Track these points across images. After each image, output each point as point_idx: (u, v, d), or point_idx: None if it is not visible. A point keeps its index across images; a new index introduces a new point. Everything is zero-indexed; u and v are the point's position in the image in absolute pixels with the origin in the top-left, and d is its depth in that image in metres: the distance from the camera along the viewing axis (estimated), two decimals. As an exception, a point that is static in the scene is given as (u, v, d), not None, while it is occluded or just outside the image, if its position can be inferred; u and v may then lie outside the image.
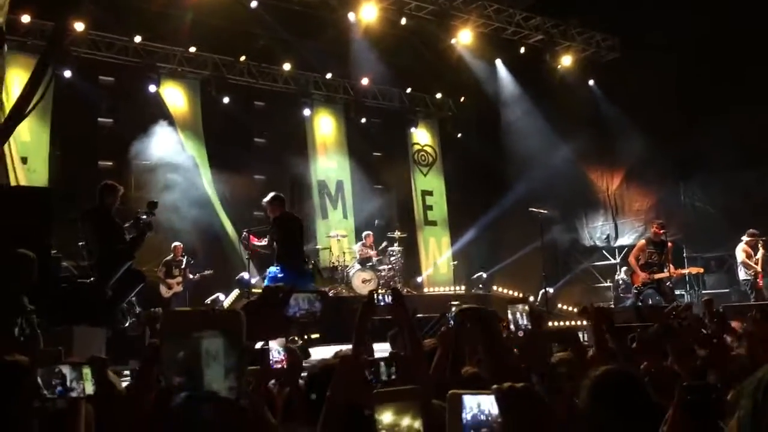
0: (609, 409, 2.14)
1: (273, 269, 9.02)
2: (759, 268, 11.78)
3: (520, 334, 2.56)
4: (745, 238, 12.12)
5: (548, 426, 1.32)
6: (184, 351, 0.89)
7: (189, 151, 14.60)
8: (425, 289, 16.53)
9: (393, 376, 2.52)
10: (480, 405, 1.34)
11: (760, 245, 11.90)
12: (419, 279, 16.92)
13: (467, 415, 1.34)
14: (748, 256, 11.94)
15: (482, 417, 1.32)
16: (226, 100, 15.18)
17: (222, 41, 14.75)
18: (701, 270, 13.14)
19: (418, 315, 8.34)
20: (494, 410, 1.32)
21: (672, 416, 1.73)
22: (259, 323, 1.82)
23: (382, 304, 3.02)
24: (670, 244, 11.92)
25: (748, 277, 11.90)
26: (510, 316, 2.70)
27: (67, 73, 13.31)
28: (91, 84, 13.98)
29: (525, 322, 2.73)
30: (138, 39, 14.11)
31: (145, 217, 7.71)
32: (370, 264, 14.20)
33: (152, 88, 14.33)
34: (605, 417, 2.13)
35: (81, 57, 13.72)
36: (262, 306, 1.83)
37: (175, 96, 14.92)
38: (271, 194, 9.60)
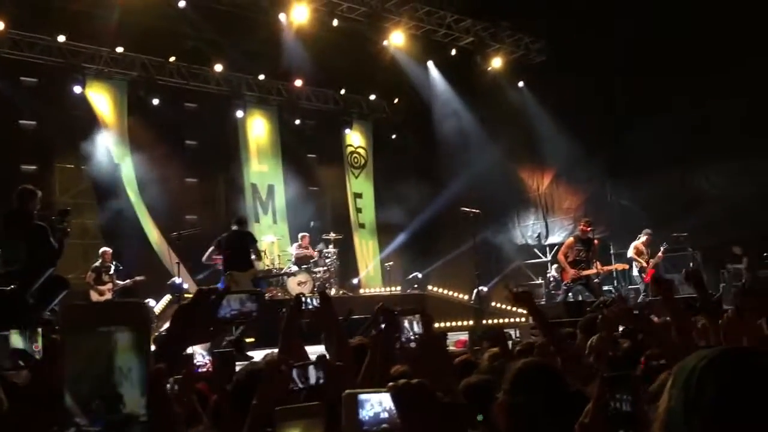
0: (525, 399, 2.20)
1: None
2: (644, 263, 12.56)
3: (413, 345, 2.51)
4: (642, 237, 12.70)
5: (444, 422, 1.33)
6: (90, 349, 0.83)
7: (114, 154, 14.21)
8: (361, 290, 16.54)
9: (321, 380, 2.51)
10: (380, 403, 1.35)
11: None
12: (355, 280, 16.93)
13: (365, 414, 1.34)
14: (638, 253, 12.59)
15: (382, 415, 1.33)
16: (155, 101, 14.84)
17: (150, 41, 14.41)
18: (626, 266, 13.56)
19: (354, 316, 8.34)
20: (392, 408, 1.32)
21: (593, 407, 1.77)
22: (189, 326, 1.74)
23: (309, 307, 3.01)
24: (596, 241, 12.27)
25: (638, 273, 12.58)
26: (405, 326, 2.63)
27: (-14, 74, 12.80)
28: (13, 85, 13.43)
29: (417, 331, 2.68)
30: (62, 38, 13.65)
31: (59, 225, 7.44)
32: (307, 266, 14.13)
33: (77, 90, 13.89)
34: (523, 406, 2.19)
35: (1, 57, 13.19)
36: (193, 308, 1.77)
37: (101, 97, 14.50)
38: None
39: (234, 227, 10.88)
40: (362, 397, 1.36)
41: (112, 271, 12.19)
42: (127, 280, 12.42)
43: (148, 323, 0.86)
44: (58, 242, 7.34)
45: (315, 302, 3.03)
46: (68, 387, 0.80)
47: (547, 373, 2.44)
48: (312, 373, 2.48)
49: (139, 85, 14.79)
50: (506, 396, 2.33)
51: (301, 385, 2.46)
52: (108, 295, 12.09)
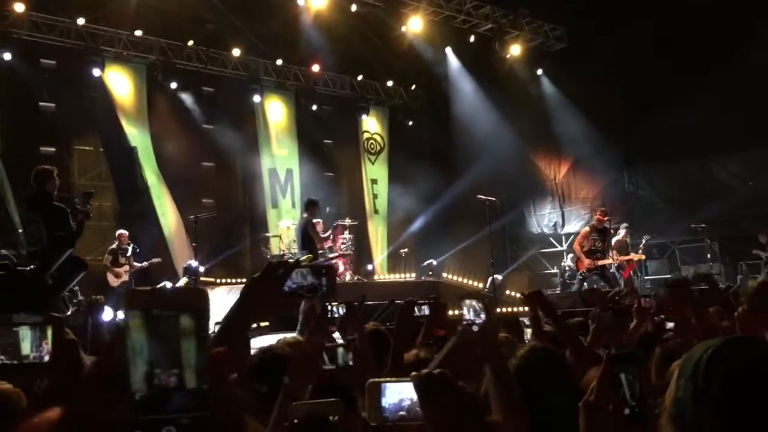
0: (529, 384, 2.21)
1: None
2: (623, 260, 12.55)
3: (475, 328, 2.52)
4: (621, 232, 12.62)
5: (465, 413, 1.33)
6: (150, 333, 0.85)
7: (131, 137, 14.27)
8: (376, 277, 16.57)
9: (350, 362, 2.57)
10: (403, 392, 1.36)
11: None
12: (370, 267, 16.95)
13: (387, 402, 1.35)
14: (620, 247, 12.57)
15: (404, 404, 1.34)
16: (173, 85, 14.89)
17: (169, 25, 14.46)
18: (643, 257, 13.49)
19: (367, 302, 8.36)
20: (414, 397, 1.33)
21: (597, 385, 1.76)
22: (257, 300, 1.70)
23: (336, 316, 3.14)
24: (612, 231, 12.21)
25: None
26: (465, 311, 2.65)
27: (7, 56, 12.88)
28: (33, 67, 13.53)
29: (478, 316, 2.70)
30: (81, 21, 13.69)
31: (80, 207, 7.51)
32: (321, 251, 14.15)
33: (96, 72, 13.95)
34: (530, 392, 2.19)
35: (21, 39, 13.28)
36: (263, 281, 1.73)
37: (120, 80, 14.56)
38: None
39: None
40: (385, 385, 1.37)
41: (129, 254, 12.28)
42: (144, 262, 12.53)
43: (207, 309, 0.88)
44: (78, 224, 7.40)
45: (341, 311, 3.17)
46: (129, 371, 0.83)
47: (553, 359, 2.47)
48: (341, 354, 2.52)
49: (157, 68, 14.84)
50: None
51: (330, 366, 2.50)
52: (125, 277, 12.20)
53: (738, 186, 13.99)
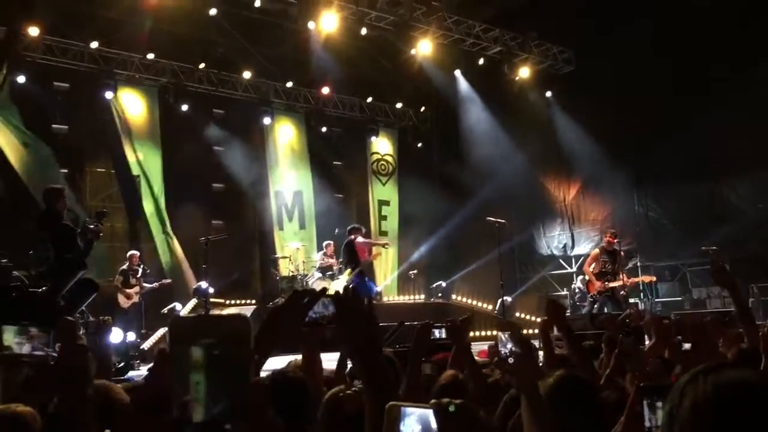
0: (563, 413, 2.21)
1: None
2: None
3: (511, 360, 2.51)
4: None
5: None
6: (195, 359, 0.86)
7: (140, 161, 14.42)
8: (385, 298, 16.54)
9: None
10: (420, 418, 1.36)
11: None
12: (378, 288, 16.93)
13: (405, 426, 1.35)
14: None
15: (423, 430, 1.34)
16: (184, 107, 15.03)
17: (180, 48, 14.64)
18: (653, 279, 13.42)
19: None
20: (434, 424, 1.33)
21: (627, 417, 1.76)
22: (280, 329, 1.68)
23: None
24: (622, 253, 12.15)
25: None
26: (500, 341, 2.64)
27: (21, 79, 13.06)
28: (46, 90, 13.71)
29: (512, 348, 2.68)
30: (94, 45, 13.89)
31: (93, 226, 7.56)
32: (331, 273, 14.17)
33: (109, 95, 14.12)
34: (560, 421, 2.19)
35: (35, 62, 13.46)
36: (286, 310, 1.69)
37: (132, 103, 14.72)
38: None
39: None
40: (405, 410, 1.35)
41: (139, 275, 12.32)
42: (155, 283, 12.56)
43: (249, 336, 0.89)
44: (87, 243, 7.44)
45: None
46: (174, 394, 0.83)
47: (580, 386, 2.45)
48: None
49: (168, 91, 15.00)
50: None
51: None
52: (135, 299, 12.22)
53: (748, 208, 13.93)
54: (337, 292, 1.71)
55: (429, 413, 1.33)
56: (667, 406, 1.21)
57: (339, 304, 1.69)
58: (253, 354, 0.88)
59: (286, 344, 1.65)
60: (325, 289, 2.19)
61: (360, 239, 13.72)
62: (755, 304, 12.11)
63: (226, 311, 12.35)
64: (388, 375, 1.73)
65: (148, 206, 14.43)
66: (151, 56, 14.56)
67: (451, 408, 1.29)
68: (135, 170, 14.46)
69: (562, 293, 16.19)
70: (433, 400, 1.34)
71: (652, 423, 1.73)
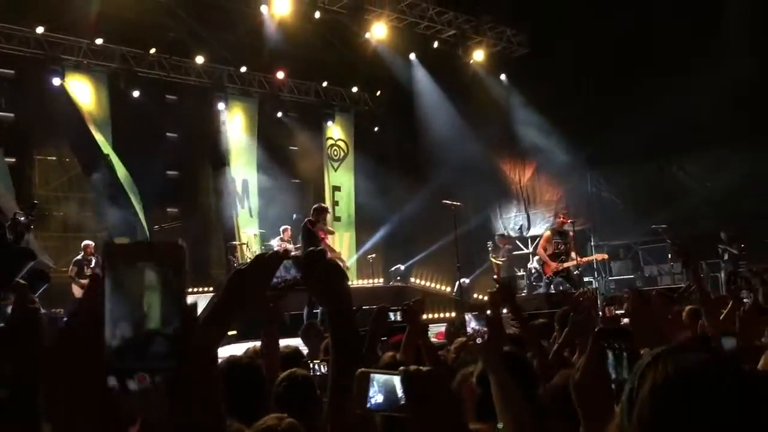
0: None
1: None
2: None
3: (479, 340, 2.56)
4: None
5: (450, 410, 1.37)
6: (128, 285, 0.87)
7: (101, 145, 14.10)
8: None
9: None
10: (387, 384, 1.38)
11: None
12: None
13: (374, 394, 1.38)
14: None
15: (390, 398, 1.37)
16: (136, 93, 14.74)
17: (130, 33, 14.31)
18: (606, 257, 13.71)
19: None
20: (400, 391, 1.35)
21: (587, 359, 1.81)
22: (244, 292, 1.57)
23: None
24: (572, 233, 12.37)
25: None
26: (468, 322, 2.68)
27: (-37, 66, 12.67)
28: (-10, 77, 13.33)
29: (477, 327, 2.71)
30: (40, 30, 13.51)
31: (23, 219, 7.37)
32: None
33: (56, 81, 13.76)
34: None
35: (-22, 48, 13.06)
36: (249, 272, 1.65)
37: (81, 89, 14.37)
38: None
39: None
40: (374, 376, 1.40)
41: (93, 264, 12.12)
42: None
43: (184, 262, 0.89)
44: (17, 235, 7.26)
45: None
46: (107, 323, 0.84)
47: (519, 363, 2.59)
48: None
49: (119, 77, 14.68)
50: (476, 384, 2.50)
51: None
52: (88, 289, 12.00)
53: (696, 187, 14.31)
54: (305, 253, 1.71)
55: (396, 379, 1.36)
56: (627, 387, 1.21)
57: (305, 265, 1.70)
58: (186, 280, 0.90)
59: (251, 310, 1.61)
60: (287, 251, 2.18)
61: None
62: (704, 280, 12.44)
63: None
64: (359, 337, 1.75)
65: (127, 185, 14.18)
66: (99, 41, 14.22)
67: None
68: (104, 149, 14.16)
69: (519, 274, 16.43)
70: (401, 367, 1.38)
71: (610, 365, 1.78)
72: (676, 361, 1.17)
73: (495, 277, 14.00)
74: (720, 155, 13.57)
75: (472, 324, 2.54)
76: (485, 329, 2.44)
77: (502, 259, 13.61)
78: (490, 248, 14.98)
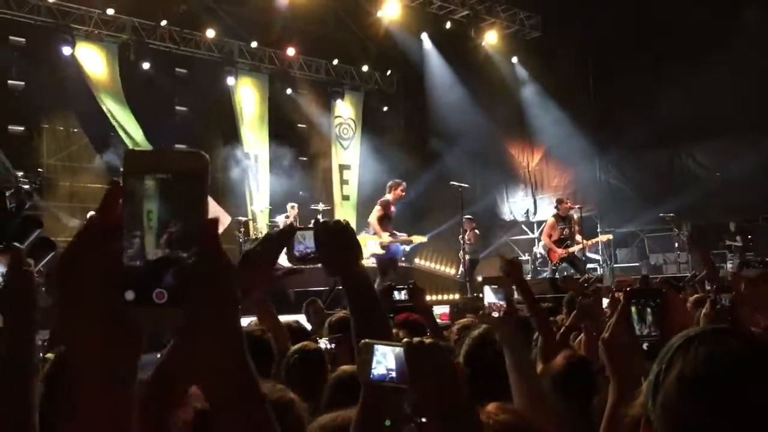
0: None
1: None
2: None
3: (495, 314, 2.54)
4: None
5: (451, 383, 1.37)
6: (147, 193, 0.81)
7: (110, 116, 14.08)
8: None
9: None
10: (390, 356, 1.38)
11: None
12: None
13: (377, 364, 1.39)
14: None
15: (392, 367, 1.38)
16: (146, 65, 14.69)
17: (141, 4, 14.26)
18: (610, 237, 13.66)
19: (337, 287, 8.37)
20: (402, 362, 1.36)
21: (617, 318, 1.82)
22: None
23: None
24: (576, 217, 12.33)
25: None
26: (486, 294, 2.65)
27: (-26, 32, 12.63)
28: (1, 45, 13.26)
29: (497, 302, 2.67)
30: (52, -1, 13.47)
31: (27, 186, 7.32)
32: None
33: (67, 51, 13.72)
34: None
35: (-11, 15, 13.01)
36: (257, 252, 1.65)
37: (92, 59, 14.32)
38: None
39: None
40: (377, 347, 1.40)
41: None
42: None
43: (206, 172, 0.86)
44: (19, 204, 7.25)
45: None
46: (125, 229, 0.81)
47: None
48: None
49: (129, 48, 14.63)
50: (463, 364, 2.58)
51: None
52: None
53: (705, 176, 14.23)
54: (315, 223, 1.71)
55: (400, 351, 1.37)
56: (655, 368, 1.11)
57: (320, 233, 1.71)
58: (207, 191, 0.86)
59: (262, 287, 1.62)
60: (292, 225, 2.18)
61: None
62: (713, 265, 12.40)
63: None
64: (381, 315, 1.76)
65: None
66: (110, 12, 14.16)
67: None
68: (115, 118, 14.16)
69: (524, 258, 16.41)
70: (405, 339, 1.39)
71: (639, 325, 1.82)
72: (708, 348, 1.06)
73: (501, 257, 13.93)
74: (731, 145, 13.48)
75: (489, 298, 2.51)
76: (502, 303, 2.42)
77: (469, 242, 13.58)
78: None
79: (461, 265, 13.35)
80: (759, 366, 1.03)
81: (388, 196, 10.97)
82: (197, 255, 0.80)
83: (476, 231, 13.84)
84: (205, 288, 0.80)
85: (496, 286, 2.50)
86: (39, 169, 8.32)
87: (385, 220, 10.88)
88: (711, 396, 1.02)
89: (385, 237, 10.85)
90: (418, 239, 11.78)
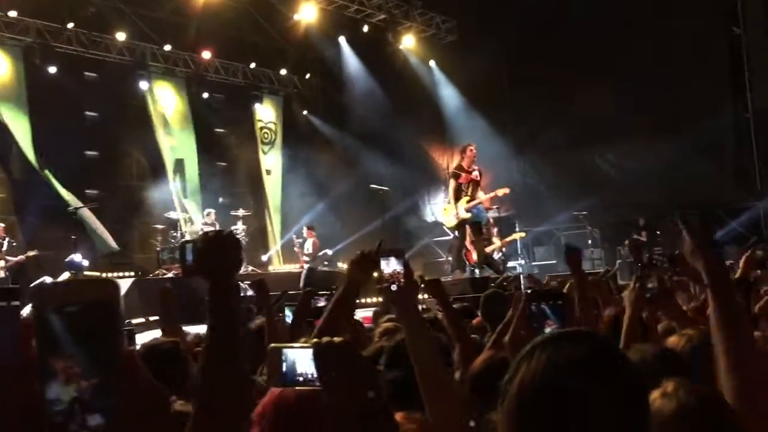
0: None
1: None
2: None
3: (393, 287, 2.37)
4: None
5: (361, 381, 1.35)
6: (59, 328, 0.79)
7: (7, 123, 13.46)
8: (270, 268, 16.41)
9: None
10: (301, 358, 1.37)
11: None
12: (264, 257, 16.77)
13: (287, 367, 1.38)
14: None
15: (302, 370, 1.37)
16: (52, 69, 14.11)
17: (46, 6, 13.73)
18: (523, 234, 14.02)
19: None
20: (312, 364, 1.36)
21: (518, 318, 1.91)
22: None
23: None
24: (491, 219, 12.59)
25: None
26: (384, 265, 2.49)
27: None
28: None
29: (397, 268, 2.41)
30: (-52, 0, 12.78)
31: None
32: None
33: (-34, 54, 13.06)
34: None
35: None
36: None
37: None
38: None
39: None
40: (286, 351, 1.40)
41: (4, 248, 11.61)
42: (20, 256, 11.88)
43: (118, 302, 0.83)
44: None
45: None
46: (40, 368, 0.78)
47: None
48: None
49: (34, 51, 14.03)
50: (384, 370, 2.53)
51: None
52: (0, 273, 11.52)
53: (617, 175, 14.77)
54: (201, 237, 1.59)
55: (308, 352, 1.37)
56: (507, 376, 1.08)
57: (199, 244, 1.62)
58: (122, 321, 0.83)
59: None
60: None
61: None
62: (621, 265, 12.85)
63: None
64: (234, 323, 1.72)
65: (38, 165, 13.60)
66: (13, 14, 13.56)
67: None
68: (13, 125, 13.60)
69: (446, 259, 16.60)
70: (314, 340, 1.39)
71: (537, 323, 1.94)
72: (547, 354, 1.04)
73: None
74: (639, 144, 14.03)
75: (387, 269, 2.43)
76: (400, 269, 2.33)
77: (308, 252, 13.87)
78: (296, 241, 15.20)
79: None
80: (595, 373, 1.02)
81: (461, 162, 11.30)
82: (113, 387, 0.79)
83: (316, 240, 14.03)
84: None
85: (396, 256, 2.43)
86: None
87: (459, 190, 11.24)
88: (547, 404, 1.00)
89: (461, 205, 11.20)
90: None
